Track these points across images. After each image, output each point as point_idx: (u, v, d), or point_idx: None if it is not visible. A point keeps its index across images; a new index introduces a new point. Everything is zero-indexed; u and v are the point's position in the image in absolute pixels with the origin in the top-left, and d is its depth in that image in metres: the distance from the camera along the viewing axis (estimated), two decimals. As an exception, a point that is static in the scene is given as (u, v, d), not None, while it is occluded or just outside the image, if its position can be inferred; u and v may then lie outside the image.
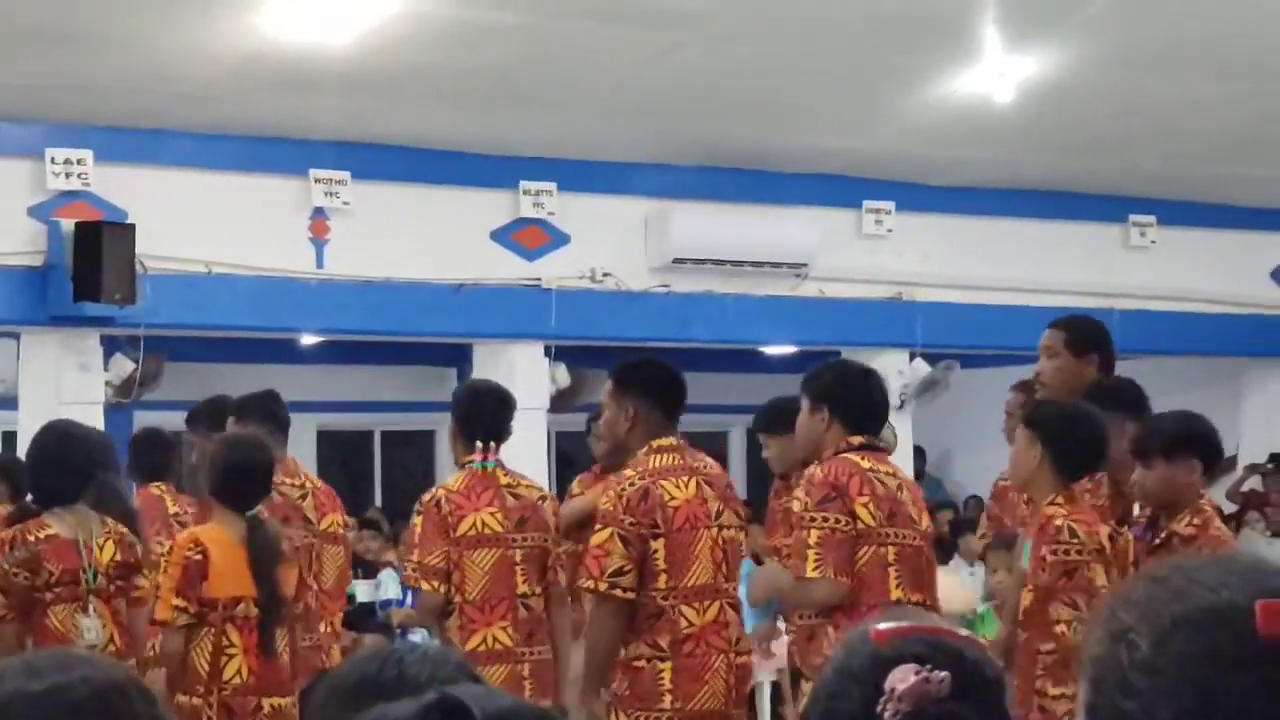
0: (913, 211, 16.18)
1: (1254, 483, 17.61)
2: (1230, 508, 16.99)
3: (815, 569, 7.44)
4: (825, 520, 7.43)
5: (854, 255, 16.01)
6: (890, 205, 16.11)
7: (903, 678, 2.59)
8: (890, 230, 16.15)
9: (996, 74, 13.62)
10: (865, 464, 7.60)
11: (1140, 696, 1.74)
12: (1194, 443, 7.61)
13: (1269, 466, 17.74)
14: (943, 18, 12.90)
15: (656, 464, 8.11)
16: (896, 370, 15.71)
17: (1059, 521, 7.38)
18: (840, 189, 15.88)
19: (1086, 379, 8.08)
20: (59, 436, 8.57)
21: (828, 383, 7.94)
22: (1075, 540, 7.34)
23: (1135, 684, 1.75)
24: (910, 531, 7.59)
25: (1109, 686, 1.79)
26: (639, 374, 8.59)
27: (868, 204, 16.06)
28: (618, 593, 7.84)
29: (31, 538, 7.89)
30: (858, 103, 14.31)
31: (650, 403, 8.35)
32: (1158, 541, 7.54)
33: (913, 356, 15.98)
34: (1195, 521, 7.47)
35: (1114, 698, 1.77)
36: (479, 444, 9.12)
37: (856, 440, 7.70)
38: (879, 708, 2.57)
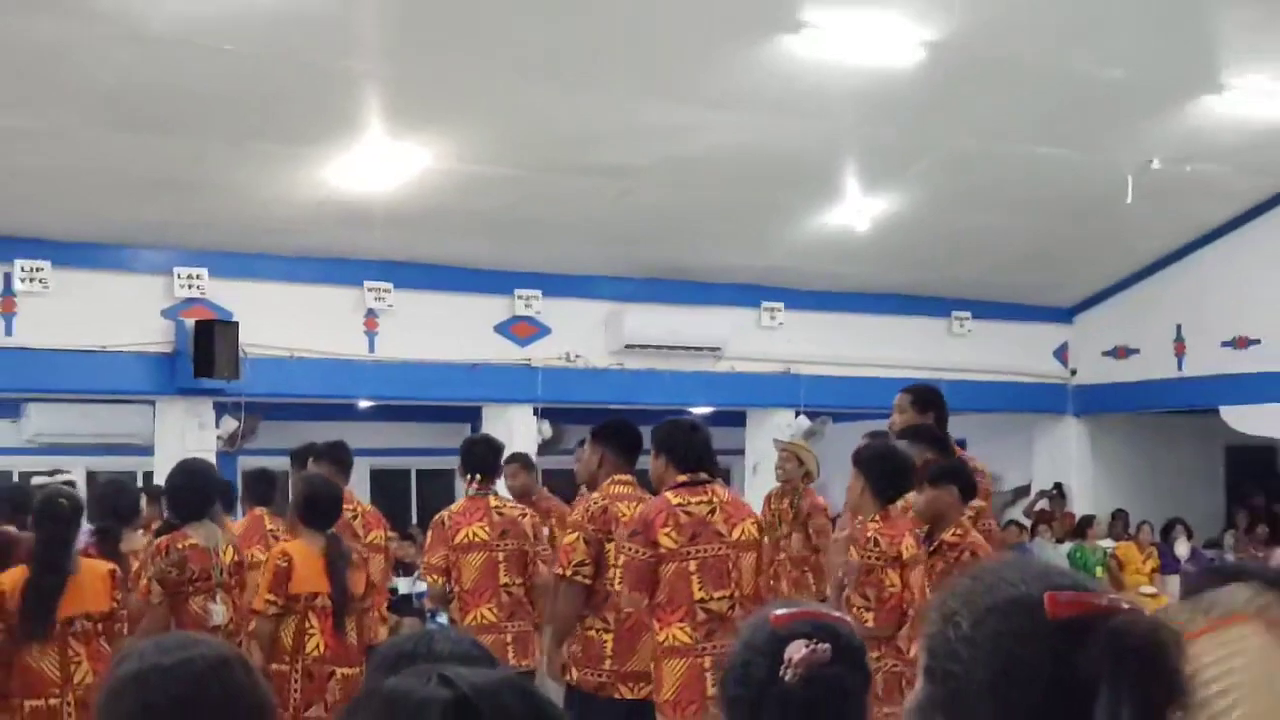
0: (797, 310, 16.18)
1: (1043, 504, 17.65)
2: (1027, 521, 17.11)
3: (621, 585, 7.48)
4: (632, 549, 7.33)
5: (755, 341, 16.00)
6: (781, 305, 16.13)
7: (797, 649, 2.66)
8: (781, 323, 16.16)
9: (855, 210, 13.80)
10: (675, 500, 7.37)
11: (963, 662, 1.75)
12: (952, 475, 7.62)
13: (1052, 492, 17.81)
14: (818, 171, 13.06)
15: (615, 491, 8.05)
16: (786, 424, 15.78)
17: (870, 534, 7.31)
18: (745, 294, 15.88)
19: None
20: (191, 470, 8.57)
21: (664, 434, 7.74)
22: (877, 549, 7.27)
23: (959, 652, 1.75)
24: (715, 545, 7.33)
25: (940, 654, 1.78)
26: (608, 430, 8.59)
27: (764, 304, 16.07)
28: (579, 579, 7.83)
29: (179, 545, 7.88)
30: (756, 231, 14.37)
31: (614, 450, 8.32)
32: (933, 548, 7.51)
33: (798, 414, 16.00)
34: (958, 531, 7.46)
35: (944, 662, 1.78)
36: (476, 477, 9.25)
37: (681, 478, 7.48)
38: (781, 672, 2.65)
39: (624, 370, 15.28)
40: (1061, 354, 18.00)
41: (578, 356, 15.10)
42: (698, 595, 7.25)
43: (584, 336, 15.14)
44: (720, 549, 7.36)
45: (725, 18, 9.93)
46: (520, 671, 8.45)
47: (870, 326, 16.47)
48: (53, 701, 6.90)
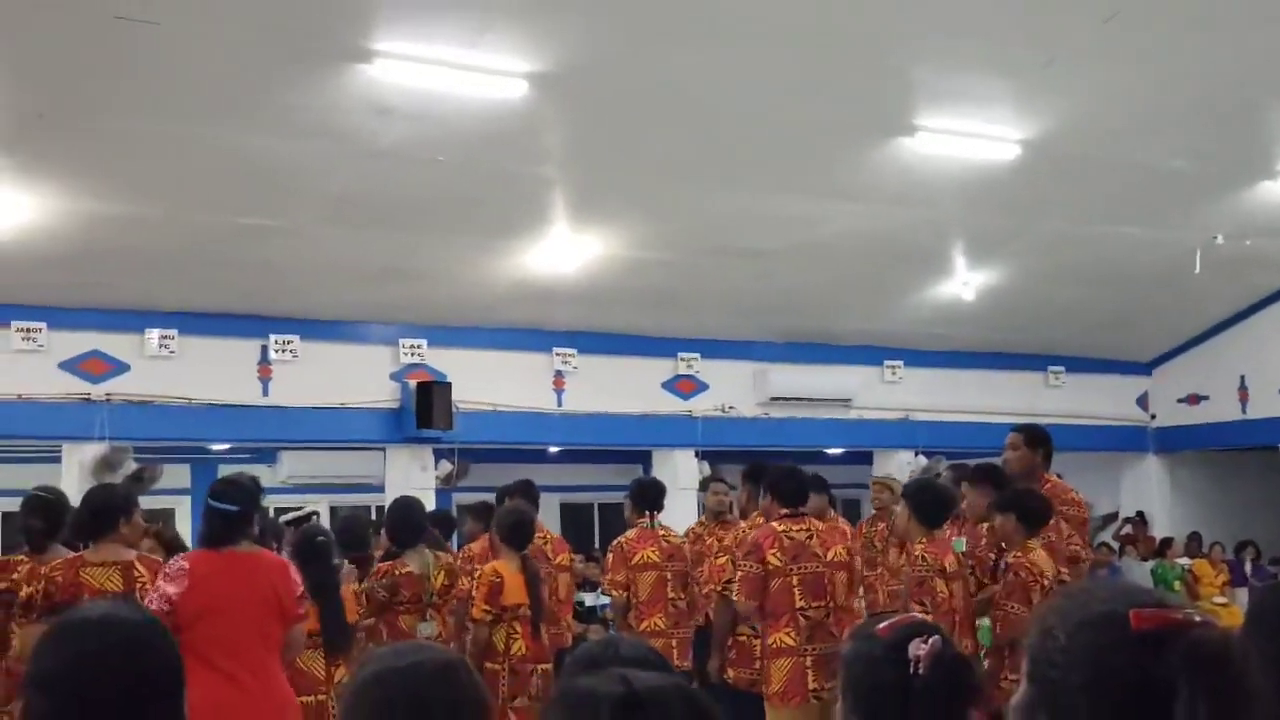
0: (915, 366, 16.08)
1: (1129, 528, 17.33)
2: (1115, 544, 16.78)
3: (737, 594, 7.59)
4: (746, 565, 7.53)
5: (879, 393, 15.91)
6: (900, 363, 16.04)
7: (917, 647, 2.62)
8: (901, 378, 16.07)
9: (962, 283, 13.71)
10: (779, 527, 7.62)
11: (1059, 668, 1.73)
12: (1011, 505, 7.47)
13: (1136, 519, 17.50)
14: (930, 250, 12.99)
15: (758, 521, 8.17)
16: (906, 462, 15.65)
17: (918, 551, 7.40)
18: (870, 353, 15.80)
19: (1036, 466, 7.96)
20: (405, 505, 8.65)
21: (771, 478, 7.97)
22: (925, 563, 7.36)
23: (1057, 660, 1.74)
24: (812, 564, 7.53)
25: (1041, 661, 1.75)
26: (753, 472, 8.77)
27: (887, 362, 15.99)
28: (729, 594, 7.91)
29: (396, 572, 7.95)
30: (878, 301, 14.32)
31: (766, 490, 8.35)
32: (1004, 566, 7.51)
33: (916, 453, 15.86)
34: (1017, 553, 7.39)
35: (1044, 668, 1.76)
36: (646, 512, 9.31)
37: (782, 511, 7.71)
38: (912, 669, 2.62)
39: (769, 419, 15.25)
40: (1142, 401, 17.67)
41: (731, 408, 15.11)
42: (799, 604, 7.46)
43: (736, 391, 15.15)
44: (817, 567, 7.56)
45: (849, 123, 9.94)
46: (683, 670, 8.52)
47: (977, 380, 16.30)
48: (320, 698, 6.98)
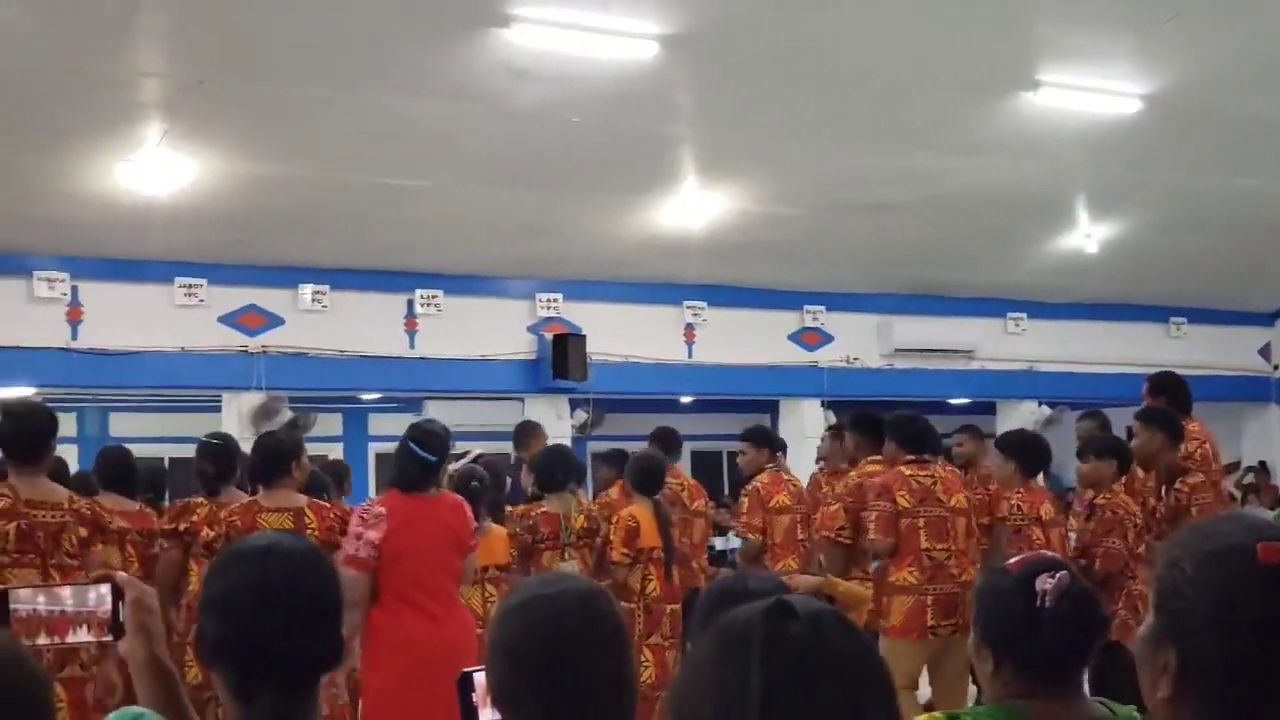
0: (1037, 318, 15.88)
1: (1250, 478, 16.98)
2: (1238, 493, 16.44)
3: (875, 533, 7.65)
4: (879, 505, 7.60)
5: (1002, 345, 15.75)
6: (1024, 315, 15.85)
7: (1044, 581, 2.67)
8: (1024, 330, 15.88)
9: (1084, 235, 13.50)
10: (907, 471, 7.67)
11: (1187, 599, 1.72)
12: (1110, 450, 7.78)
13: (1257, 468, 17.16)
14: (1052, 203, 12.80)
15: (867, 469, 8.27)
16: (1029, 413, 15.52)
17: (1013, 500, 7.96)
18: (993, 306, 15.64)
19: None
20: (555, 451, 8.78)
21: (894, 425, 8.06)
22: (1020, 513, 7.94)
23: (1184, 591, 1.72)
24: (936, 509, 7.56)
25: (1168, 593, 1.74)
26: (860, 421, 8.93)
27: (1009, 314, 15.81)
28: (841, 539, 8.03)
29: (532, 513, 8.06)
30: (1001, 254, 14.13)
31: (865, 437, 8.67)
32: (1088, 511, 7.70)
33: (1039, 404, 15.72)
34: (1107, 495, 7.60)
35: (1170, 599, 1.74)
36: (773, 455, 9.36)
37: (908, 457, 7.76)
38: (1038, 602, 2.65)
39: (893, 370, 15.17)
40: (1265, 352, 17.28)
41: (856, 359, 15.05)
42: (924, 545, 7.50)
43: (860, 342, 15.09)
44: (941, 511, 7.59)
45: (972, 78, 9.80)
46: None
47: (1099, 331, 16.04)
48: (479, 632, 7.12)
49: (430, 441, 6.18)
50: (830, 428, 10.60)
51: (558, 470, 8.38)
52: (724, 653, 1.50)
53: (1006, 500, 8.24)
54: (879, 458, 8.31)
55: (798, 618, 1.48)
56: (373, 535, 5.93)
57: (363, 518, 6.01)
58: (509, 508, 8.40)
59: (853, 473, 8.59)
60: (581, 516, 8.21)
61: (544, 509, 8.14)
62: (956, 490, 7.75)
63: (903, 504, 7.53)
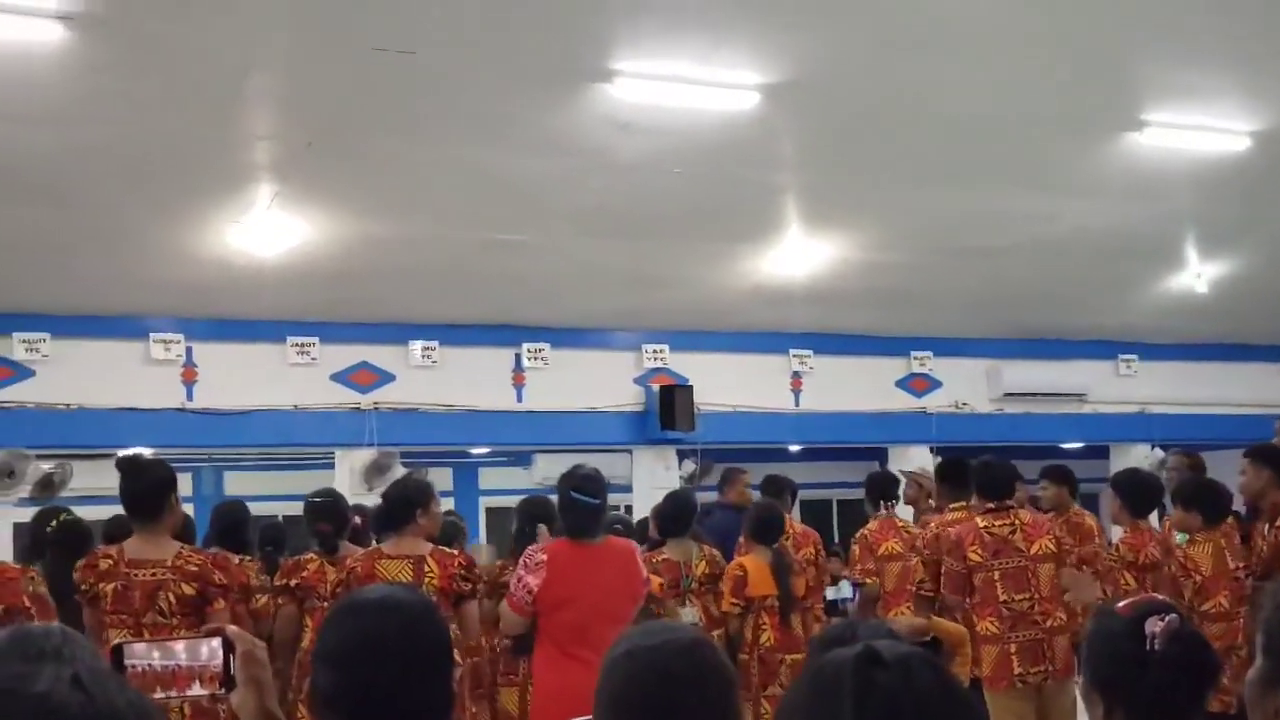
0: (1149, 360, 15.68)
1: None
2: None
3: (945, 590, 7.61)
4: (949, 562, 7.55)
5: (1113, 387, 15.54)
6: (1135, 357, 15.65)
7: (1154, 624, 2.63)
8: (1135, 372, 15.68)
9: (1195, 275, 13.27)
10: (982, 523, 7.53)
11: None
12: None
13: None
14: (1162, 244, 12.63)
15: (948, 518, 8.21)
16: (1143, 456, 15.27)
17: (1116, 540, 8.05)
18: (1103, 348, 15.46)
19: None
20: (680, 498, 8.82)
21: (972, 473, 7.97)
22: (1118, 554, 7.89)
23: None
24: (1014, 559, 7.43)
25: (1276, 634, 1.74)
26: (943, 469, 8.97)
27: (1121, 356, 15.62)
28: (923, 592, 7.92)
29: (656, 560, 8.09)
30: (1110, 296, 13.96)
31: (947, 485, 8.67)
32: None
33: (1152, 447, 15.46)
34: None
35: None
36: (883, 503, 9.30)
37: (988, 505, 7.60)
38: (1148, 645, 2.61)
39: (1003, 414, 15.02)
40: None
41: (965, 404, 14.91)
42: (1002, 597, 7.38)
43: (969, 387, 14.96)
44: (1020, 561, 7.45)
45: (1077, 120, 9.71)
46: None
47: (1212, 372, 15.78)
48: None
49: (590, 487, 6.11)
50: (905, 472, 10.54)
51: (676, 516, 8.42)
52: (816, 700, 1.49)
53: (1095, 543, 8.20)
54: (963, 504, 8.25)
55: (887, 665, 1.47)
56: (531, 581, 5.90)
57: (525, 563, 5.99)
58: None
59: (934, 523, 8.51)
60: (703, 563, 8.24)
61: (665, 555, 8.19)
62: (1040, 535, 7.59)
63: (974, 559, 7.45)
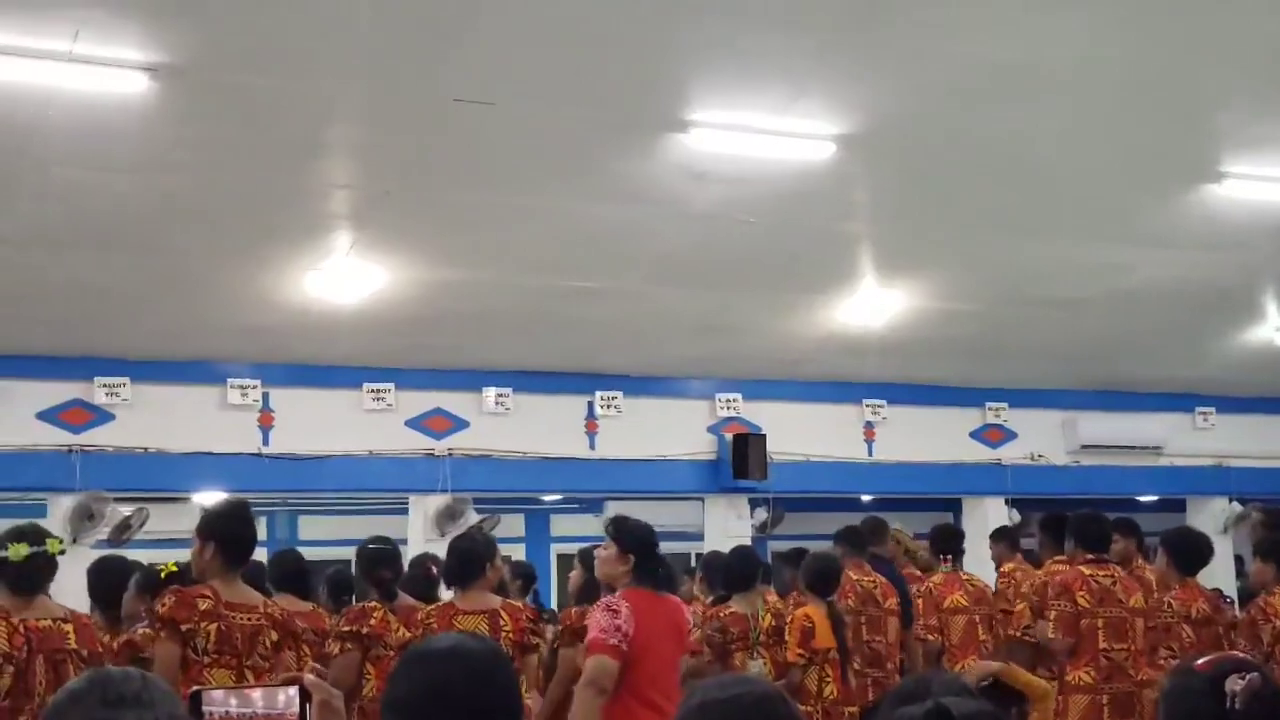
0: (1226, 413, 15.48)
1: None
2: None
3: (1053, 633, 7.59)
4: (1059, 605, 7.56)
5: (1190, 440, 15.34)
6: (1213, 409, 15.45)
7: (1234, 682, 2.58)
8: (1213, 424, 15.48)
9: (1275, 327, 13.13)
10: (1087, 571, 7.61)
11: None
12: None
13: None
14: (1240, 295, 12.51)
15: (1052, 568, 8.28)
16: (1220, 510, 15.09)
17: (1167, 598, 8.00)
18: (1180, 400, 15.28)
19: None
20: (741, 553, 8.82)
21: (1073, 525, 8.00)
22: (1171, 610, 7.96)
23: None
24: (1116, 609, 7.49)
25: None
26: (1046, 522, 9.13)
27: (1198, 409, 15.42)
28: (1026, 637, 7.96)
29: (721, 614, 8.10)
30: (1187, 348, 13.79)
31: (1049, 538, 8.89)
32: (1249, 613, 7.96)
33: (1230, 500, 15.25)
34: (1267, 598, 7.78)
35: None
36: (948, 558, 9.26)
37: (1088, 556, 7.70)
38: (1228, 704, 2.57)
39: (1080, 466, 14.85)
40: None
41: (1040, 456, 14.77)
42: (1102, 645, 7.44)
43: (1045, 439, 14.82)
44: (1121, 612, 7.54)
45: (1155, 172, 9.66)
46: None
47: (1292, 424, 15.58)
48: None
49: (656, 539, 6.16)
50: (992, 534, 10.52)
51: (741, 571, 8.42)
52: None
53: (1154, 597, 8.15)
54: (1063, 557, 8.26)
55: None
56: (624, 625, 5.81)
57: (612, 609, 5.88)
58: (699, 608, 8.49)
59: (1039, 572, 8.57)
60: (769, 615, 8.23)
61: (732, 609, 8.21)
62: (1135, 590, 7.69)
63: (1083, 604, 7.48)
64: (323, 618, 7.47)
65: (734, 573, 8.56)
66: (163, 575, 7.11)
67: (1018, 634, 8.08)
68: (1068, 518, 8.44)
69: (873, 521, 10.63)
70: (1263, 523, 8.75)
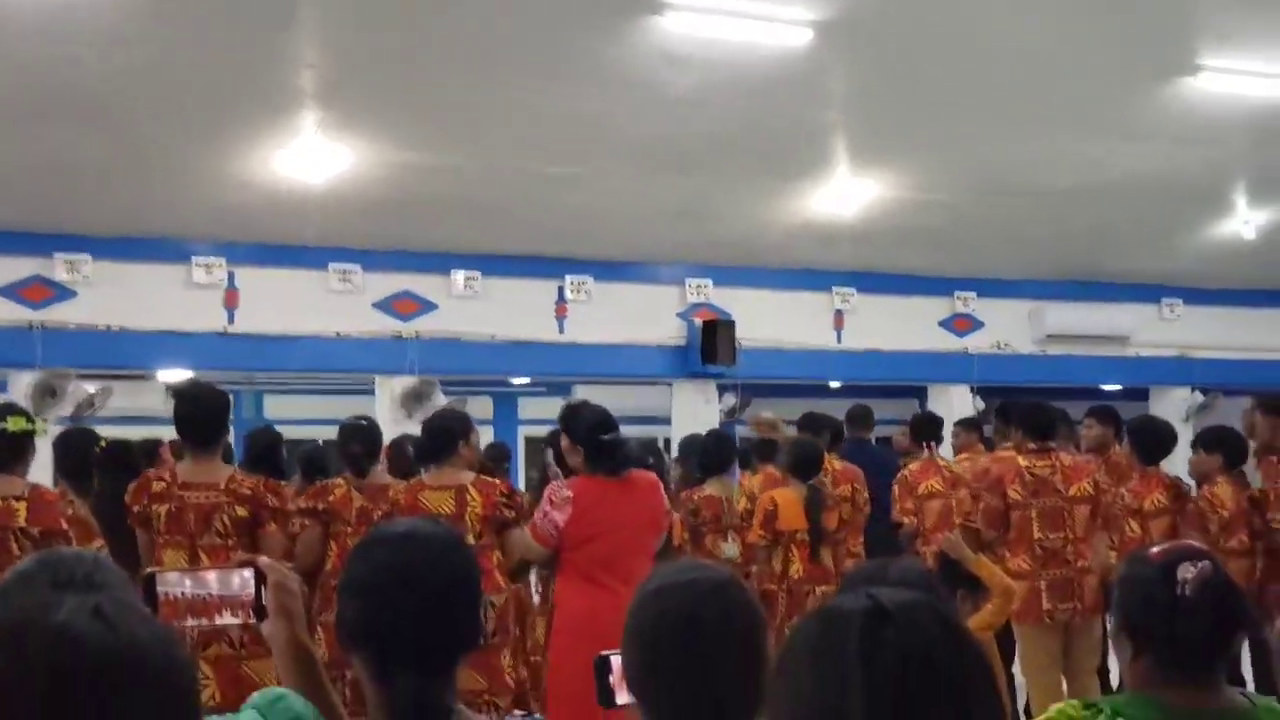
0: (1193, 304, 15.56)
1: None
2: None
3: (980, 524, 7.74)
4: (987, 499, 7.75)
5: (1156, 331, 15.43)
6: (1179, 301, 15.52)
7: (1186, 570, 2.62)
8: (1179, 316, 15.56)
9: (1243, 221, 13.15)
10: (1024, 462, 7.71)
11: None
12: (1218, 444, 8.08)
13: None
14: (1211, 190, 12.51)
15: (999, 455, 8.70)
16: (1182, 400, 15.24)
17: (1122, 490, 8.03)
18: (1147, 292, 15.33)
19: None
20: (719, 437, 8.94)
21: (1019, 413, 8.15)
22: (1121, 502, 7.97)
23: None
24: (1052, 499, 7.59)
25: None
26: (1002, 410, 9.22)
27: (1164, 300, 15.49)
28: (971, 524, 7.96)
29: (695, 496, 8.21)
30: (1157, 240, 13.83)
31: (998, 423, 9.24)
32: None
33: (1193, 390, 15.39)
34: (1211, 489, 7.93)
35: None
36: (924, 444, 9.31)
37: (1030, 445, 7.80)
38: (1178, 590, 2.60)
39: (1045, 356, 14.94)
40: None
41: (1006, 345, 14.84)
42: (1037, 535, 7.58)
43: (1011, 328, 14.89)
44: (1057, 501, 7.63)
45: (1131, 64, 9.60)
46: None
47: (1255, 318, 15.66)
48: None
49: (611, 423, 6.11)
50: (958, 422, 10.59)
51: (716, 454, 8.53)
52: (822, 653, 1.48)
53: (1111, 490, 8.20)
54: (1012, 445, 8.50)
55: (895, 621, 1.46)
56: (557, 517, 5.90)
57: (551, 499, 5.97)
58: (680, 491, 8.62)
59: (984, 458, 8.99)
60: (744, 499, 8.33)
61: (707, 492, 8.34)
62: (1079, 478, 7.73)
63: (1014, 496, 7.62)
64: (285, 494, 7.48)
65: (710, 456, 8.67)
66: (100, 450, 7.13)
67: (961, 520, 8.27)
68: (1016, 408, 8.63)
69: (859, 409, 10.74)
70: (1260, 407, 8.64)
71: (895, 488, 9.48)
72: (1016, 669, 8.03)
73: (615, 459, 6.01)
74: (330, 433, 7.86)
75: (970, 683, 1.46)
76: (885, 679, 1.42)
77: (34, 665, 1.20)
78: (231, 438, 9.51)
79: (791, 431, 10.26)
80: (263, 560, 2.41)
